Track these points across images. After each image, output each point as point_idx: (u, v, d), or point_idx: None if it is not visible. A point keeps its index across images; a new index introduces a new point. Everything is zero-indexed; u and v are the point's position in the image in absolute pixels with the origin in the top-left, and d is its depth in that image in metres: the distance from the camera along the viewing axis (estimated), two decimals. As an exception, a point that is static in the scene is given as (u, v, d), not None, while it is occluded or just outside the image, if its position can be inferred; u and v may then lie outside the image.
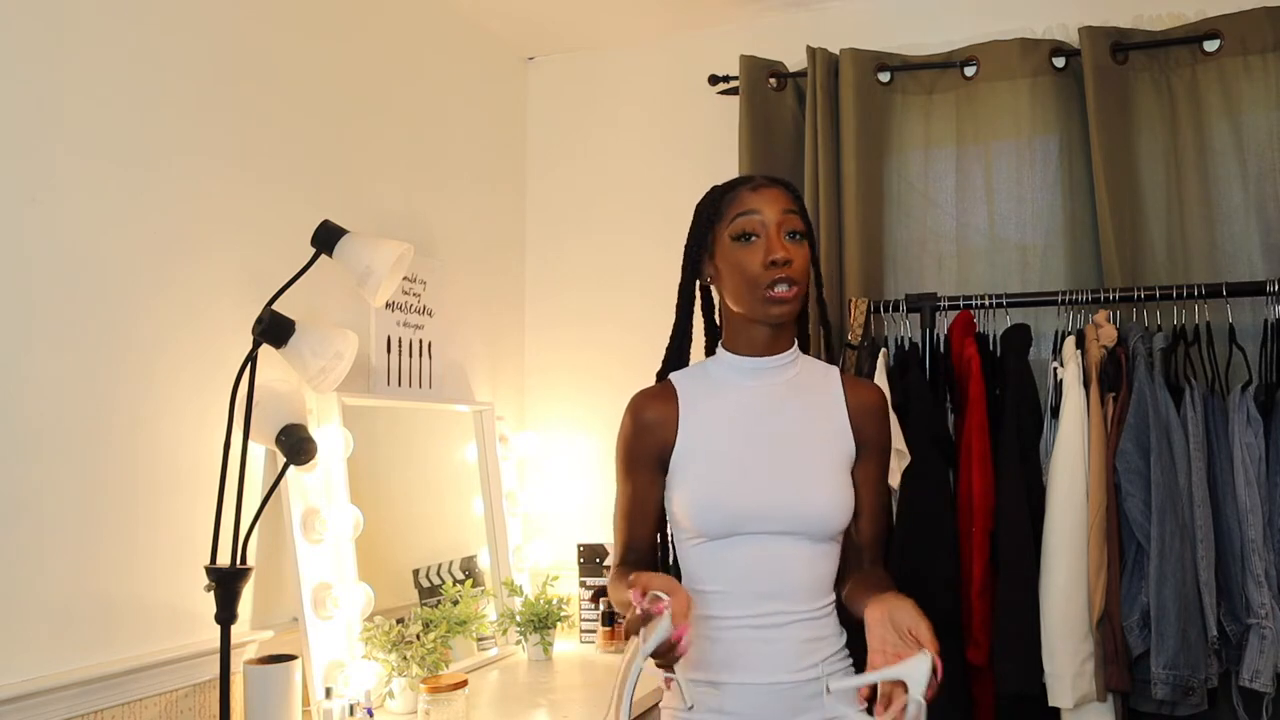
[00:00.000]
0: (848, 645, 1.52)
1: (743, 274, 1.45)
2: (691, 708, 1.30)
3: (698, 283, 1.57)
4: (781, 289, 1.42)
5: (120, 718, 1.72)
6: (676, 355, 1.60)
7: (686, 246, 1.55)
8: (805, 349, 1.59)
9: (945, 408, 2.33)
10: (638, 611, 1.21)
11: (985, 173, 2.58)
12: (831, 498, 1.45)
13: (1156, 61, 2.42)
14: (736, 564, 1.44)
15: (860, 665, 1.53)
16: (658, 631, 1.19)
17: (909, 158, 2.66)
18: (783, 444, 1.47)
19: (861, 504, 1.52)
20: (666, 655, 1.21)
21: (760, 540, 1.43)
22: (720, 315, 1.58)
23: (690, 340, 1.61)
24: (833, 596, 1.49)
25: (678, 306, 1.59)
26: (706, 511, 1.44)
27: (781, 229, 1.44)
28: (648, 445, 1.52)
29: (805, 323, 1.60)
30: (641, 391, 1.57)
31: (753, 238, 1.44)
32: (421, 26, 2.66)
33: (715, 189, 1.53)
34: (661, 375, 1.60)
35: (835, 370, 1.57)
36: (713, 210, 1.50)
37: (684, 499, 1.47)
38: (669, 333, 1.63)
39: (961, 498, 2.22)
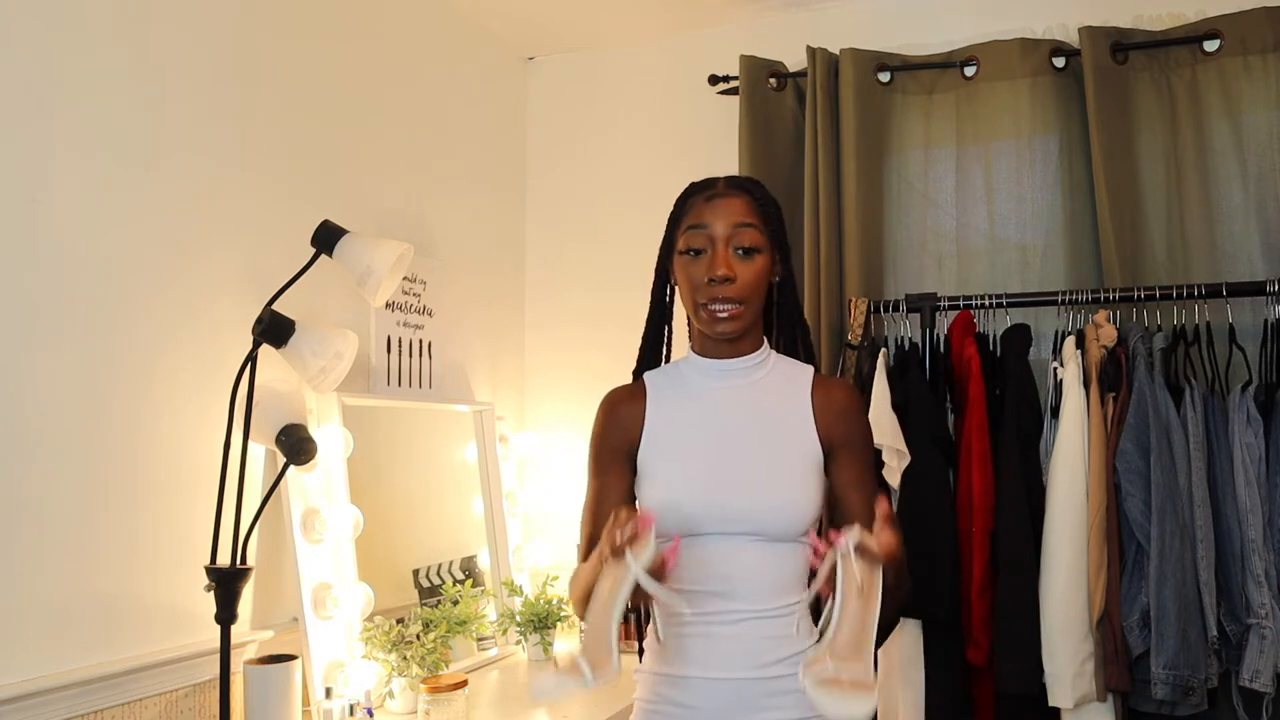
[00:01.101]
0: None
1: (689, 286, 1.46)
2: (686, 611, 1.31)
3: (670, 281, 1.57)
4: (720, 307, 1.43)
5: (120, 718, 1.72)
6: (648, 354, 1.61)
7: (660, 246, 1.55)
8: (794, 351, 1.59)
9: (945, 408, 2.33)
10: (619, 538, 1.22)
11: (985, 173, 2.58)
12: (787, 499, 1.44)
13: (1156, 61, 2.42)
14: (691, 563, 1.44)
15: None
16: (649, 546, 1.22)
17: (909, 158, 2.66)
18: (742, 445, 1.46)
19: (848, 506, 1.49)
20: (658, 571, 1.24)
21: (716, 540, 1.43)
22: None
23: (664, 339, 1.61)
24: (797, 597, 1.46)
25: (650, 305, 1.59)
26: (663, 512, 1.44)
27: (730, 244, 1.43)
28: (615, 442, 1.53)
29: (789, 325, 1.59)
30: (613, 389, 1.58)
31: (701, 253, 1.44)
32: (421, 26, 2.66)
33: (687, 188, 1.53)
34: (636, 374, 1.61)
35: (809, 370, 1.55)
36: (675, 215, 1.51)
37: (644, 499, 1.49)
38: None
39: (961, 498, 2.22)
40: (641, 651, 1.57)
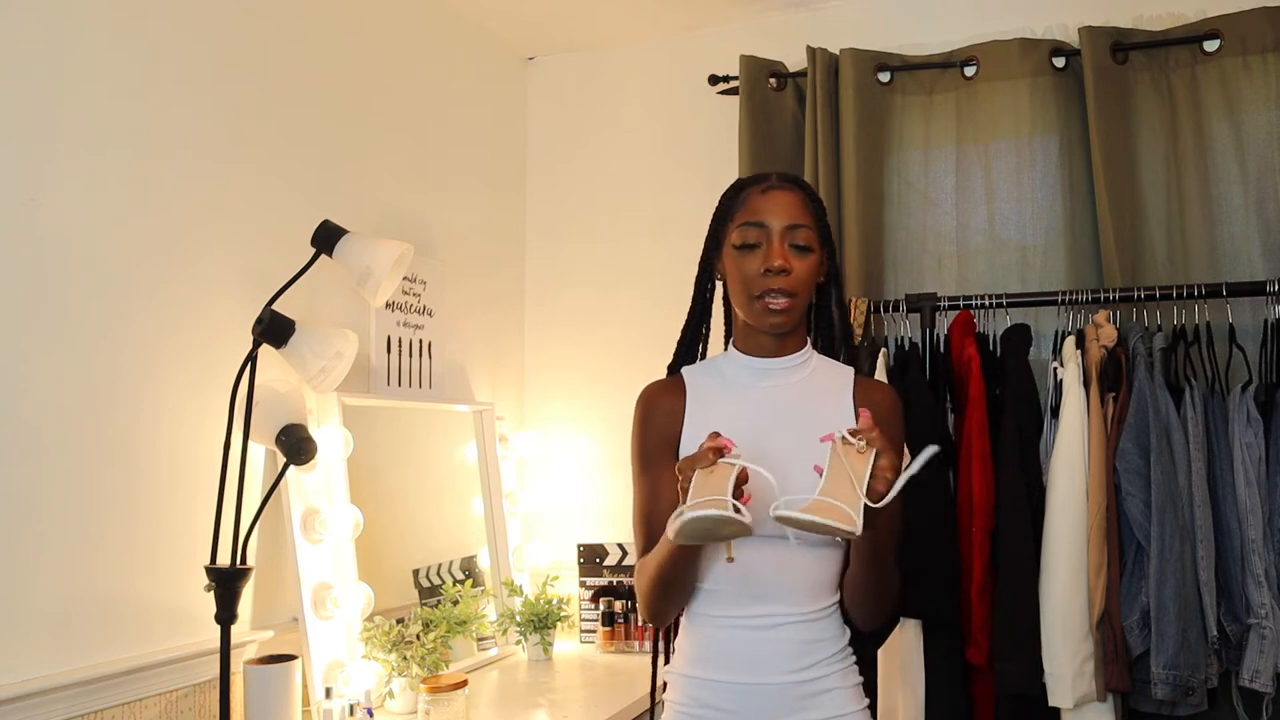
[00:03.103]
0: (852, 646, 1.52)
1: (741, 278, 1.45)
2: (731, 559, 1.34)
3: (715, 276, 1.56)
4: (775, 299, 1.42)
5: (120, 718, 1.72)
6: (686, 348, 1.60)
7: (705, 240, 1.55)
8: (833, 352, 1.58)
9: (945, 407, 2.33)
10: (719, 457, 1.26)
11: (985, 173, 2.58)
12: None
13: (1156, 61, 2.42)
14: (733, 566, 1.44)
15: (863, 666, 1.54)
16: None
17: (909, 158, 2.66)
18: (785, 446, 1.46)
19: None
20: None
21: (755, 543, 1.41)
22: (732, 313, 1.58)
23: (704, 334, 1.60)
24: (833, 599, 1.48)
25: (692, 299, 1.59)
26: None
27: (785, 239, 1.43)
28: (658, 438, 1.51)
29: (829, 326, 1.58)
30: (651, 384, 1.57)
31: (755, 246, 1.44)
32: (422, 26, 2.66)
33: (736, 183, 1.53)
34: (673, 368, 1.59)
35: (850, 371, 1.54)
36: (726, 208, 1.51)
37: None
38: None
39: (961, 497, 2.22)
40: (669, 653, 1.57)
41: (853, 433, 1.26)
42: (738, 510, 1.20)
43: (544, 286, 3.11)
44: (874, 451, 1.24)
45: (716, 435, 1.28)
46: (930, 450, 1.23)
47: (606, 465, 2.95)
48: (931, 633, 2.23)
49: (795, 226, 1.44)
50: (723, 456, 1.26)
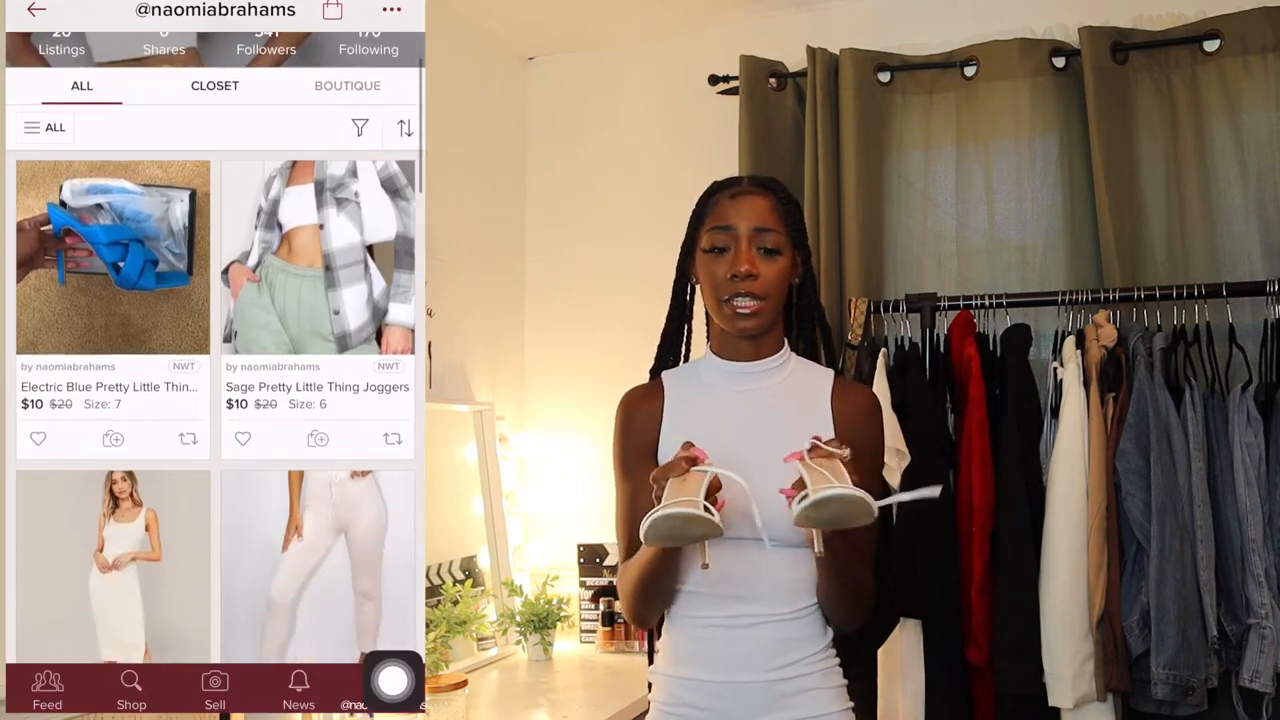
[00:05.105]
0: (852, 646, 1.52)
1: (712, 283, 1.46)
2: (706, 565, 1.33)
3: (691, 280, 1.57)
4: (743, 303, 1.42)
5: (120, 718, 1.72)
6: (665, 354, 1.60)
7: (681, 244, 1.55)
8: (813, 354, 1.58)
9: (945, 408, 2.33)
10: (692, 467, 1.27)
11: (985, 173, 2.58)
12: None
13: (1156, 61, 2.42)
14: (713, 567, 1.43)
15: (849, 667, 1.54)
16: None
17: (909, 157, 2.66)
18: (761, 449, 1.45)
19: None
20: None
21: (734, 544, 1.40)
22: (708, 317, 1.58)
23: (682, 339, 1.60)
24: (812, 599, 1.46)
25: (671, 303, 1.59)
26: None
27: (753, 242, 1.43)
28: (638, 443, 1.52)
29: (809, 327, 1.58)
30: (630, 390, 1.57)
31: (724, 250, 1.44)
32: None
33: (710, 187, 1.53)
34: (653, 373, 1.60)
35: (830, 374, 1.54)
36: (699, 212, 1.51)
37: None
38: None
39: (961, 497, 2.22)
40: (653, 653, 1.57)
41: (823, 441, 1.27)
42: (708, 510, 1.21)
43: (544, 286, 3.10)
44: (844, 456, 1.25)
45: (690, 445, 1.28)
46: (930, 491, 1.23)
47: (607, 465, 2.90)
48: (931, 633, 2.23)
49: (763, 230, 1.43)
50: (696, 465, 1.26)
